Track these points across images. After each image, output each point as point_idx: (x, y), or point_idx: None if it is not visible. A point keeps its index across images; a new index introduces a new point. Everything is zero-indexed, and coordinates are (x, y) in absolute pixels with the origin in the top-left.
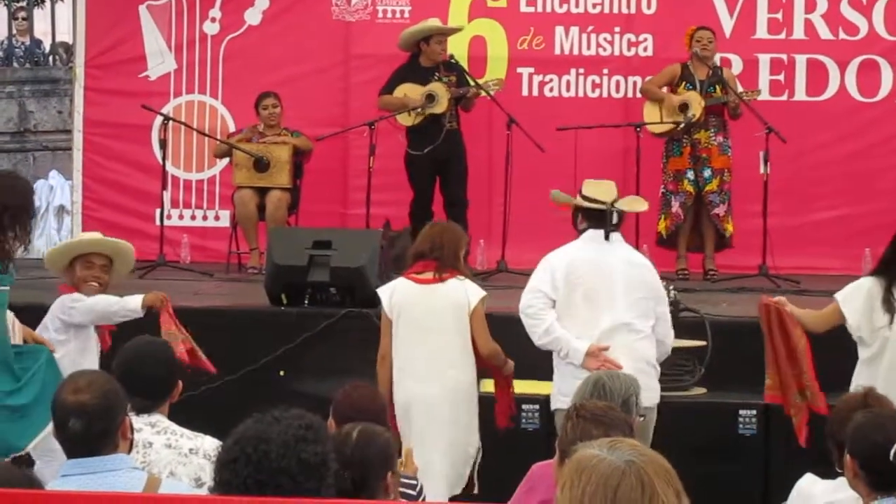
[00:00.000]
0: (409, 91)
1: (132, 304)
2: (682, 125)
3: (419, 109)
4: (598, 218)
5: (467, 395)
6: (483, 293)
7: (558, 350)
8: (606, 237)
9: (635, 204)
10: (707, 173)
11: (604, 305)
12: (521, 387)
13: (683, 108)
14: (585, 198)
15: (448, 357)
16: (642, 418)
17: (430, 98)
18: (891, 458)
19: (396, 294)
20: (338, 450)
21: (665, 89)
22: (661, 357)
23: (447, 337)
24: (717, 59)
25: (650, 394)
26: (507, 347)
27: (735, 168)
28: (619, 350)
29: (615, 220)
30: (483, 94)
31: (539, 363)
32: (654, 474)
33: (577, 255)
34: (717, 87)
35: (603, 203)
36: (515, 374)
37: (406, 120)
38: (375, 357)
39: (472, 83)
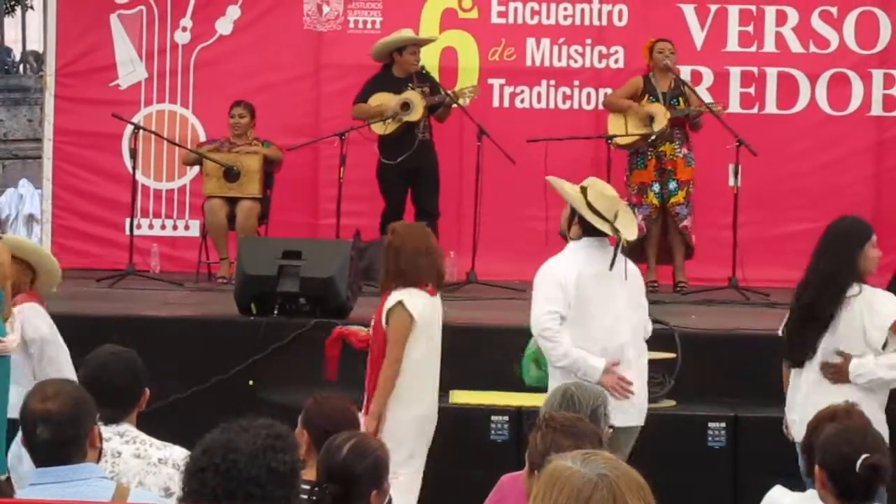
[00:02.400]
0: (385, 100)
1: None
2: (651, 137)
3: (394, 117)
4: (598, 233)
5: None
6: None
7: (576, 370)
8: (610, 267)
9: (629, 229)
10: (672, 185)
11: (612, 322)
12: (491, 398)
13: (649, 120)
14: (591, 206)
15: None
16: (611, 430)
17: (406, 106)
18: (857, 469)
19: (427, 308)
20: (326, 460)
21: None
22: None
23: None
24: (686, 71)
25: (641, 412)
26: (476, 357)
27: (705, 180)
28: (630, 366)
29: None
30: (456, 103)
31: (507, 375)
32: (627, 488)
33: (583, 270)
34: (681, 98)
35: (606, 221)
36: (484, 385)
37: (380, 128)
38: (344, 366)
39: (446, 92)
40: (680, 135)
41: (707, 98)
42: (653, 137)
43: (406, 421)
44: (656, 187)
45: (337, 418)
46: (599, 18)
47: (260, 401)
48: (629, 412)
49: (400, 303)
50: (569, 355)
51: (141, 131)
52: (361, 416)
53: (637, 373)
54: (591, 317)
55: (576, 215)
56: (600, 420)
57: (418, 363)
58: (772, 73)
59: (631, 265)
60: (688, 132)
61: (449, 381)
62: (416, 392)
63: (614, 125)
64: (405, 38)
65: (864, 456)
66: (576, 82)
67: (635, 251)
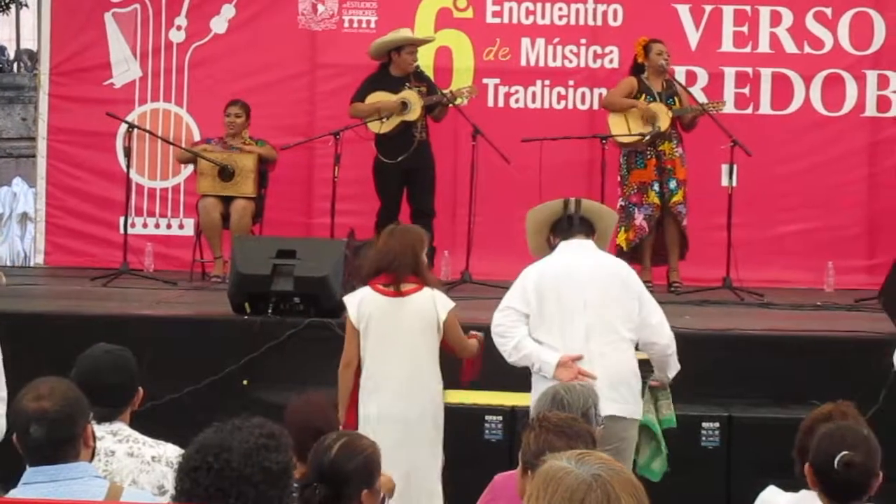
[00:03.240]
0: (382, 99)
1: None
2: (647, 137)
3: (390, 116)
4: (566, 227)
5: (439, 411)
6: (452, 304)
7: (530, 365)
8: (571, 225)
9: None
10: (672, 185)
11: (576, 314)
12: (484, 398)
13: (652, 119)
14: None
15: (424, 374)
16: (602, 427)
17: (404, 105)
18: (835, 465)
19: (365, 304)
20: (315, 460)
21: None
22: (662, 360)
23: (419, 353)
24: (681, 71)
25: (628, 406)
26: None
27: (699, 181)
28: (594, 359)
29: (573, 210)
30: (453, 103)
31: (502, 375)
32: (621, 489)
33: (547, 267)
34: (676, 98)
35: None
36: (479, 385)
37: (376, 127)
38: (339, 366)
39: (442, 92)
40: (676, 134)
41: (699, 97)
42: (648, 137)
43: (364, 417)
44: (656, 186)
45: (315, 419)
46: (594, 18)
47: (254, 400)
48: None
49: (340, 303)
50: (520, 349)
51: (135, 130)
52: None
53: (605, 370)
54: (552, 314)
55: (546, 235)
56: (592, 420)
57: (369, 360)
58: (766, 73)
59: (610, 260)
60: (681, 132)
61: (443, 380)
62: (372, 388)
63: (615, 125)
64: (404, 38)
65: (842, 453)
66: (570, 82)
67: (634, 251)
